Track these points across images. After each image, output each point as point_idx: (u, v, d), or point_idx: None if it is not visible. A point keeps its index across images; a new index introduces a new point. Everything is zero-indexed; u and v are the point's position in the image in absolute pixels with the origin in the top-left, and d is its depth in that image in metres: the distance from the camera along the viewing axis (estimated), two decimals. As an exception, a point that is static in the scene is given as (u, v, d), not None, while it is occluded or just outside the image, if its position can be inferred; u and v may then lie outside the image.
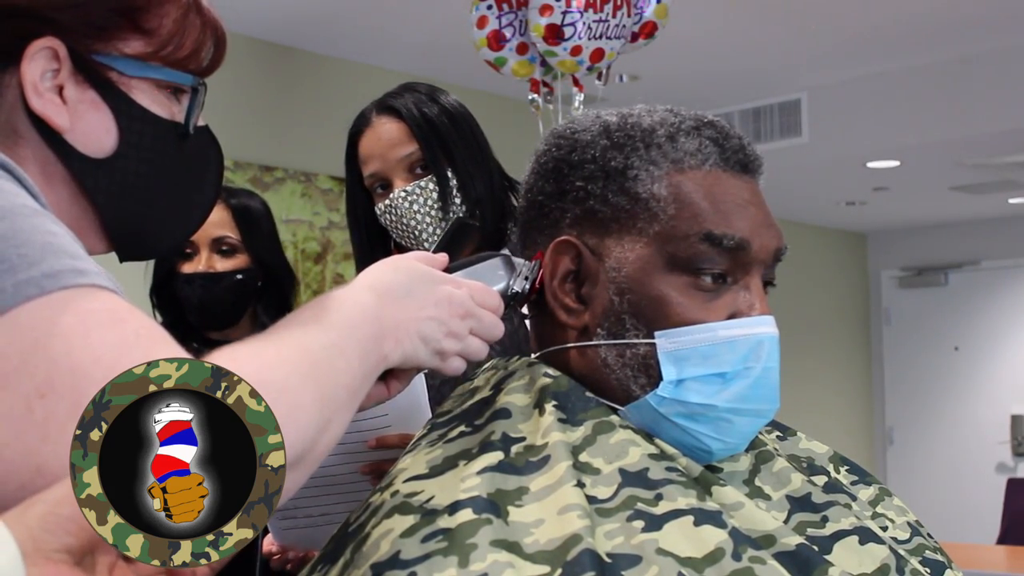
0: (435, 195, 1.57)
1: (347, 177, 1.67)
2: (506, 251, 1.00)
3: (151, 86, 0.90)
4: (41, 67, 0.85)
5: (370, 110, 1.64)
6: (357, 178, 1.65)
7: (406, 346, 0.84)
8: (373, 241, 1.67)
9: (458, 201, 1.58)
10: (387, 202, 1.59)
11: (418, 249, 1.64)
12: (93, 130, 0.87)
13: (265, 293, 1.94)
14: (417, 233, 1.59)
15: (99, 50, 0.87)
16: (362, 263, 1.67)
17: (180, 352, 0.71)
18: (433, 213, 1.58)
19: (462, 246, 1.09)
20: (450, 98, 1.65)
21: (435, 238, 1.59)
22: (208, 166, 0.97)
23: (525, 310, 1.03)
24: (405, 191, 1.57)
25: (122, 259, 1.00)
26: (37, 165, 0.87)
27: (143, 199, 0.91)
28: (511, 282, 0.96)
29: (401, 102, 1.61)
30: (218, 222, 1.86)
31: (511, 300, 0.96)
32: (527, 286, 0.95)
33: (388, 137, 1.60)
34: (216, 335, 1.89)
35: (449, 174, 1.58)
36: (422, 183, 1.58)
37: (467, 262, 0.97)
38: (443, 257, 0.95)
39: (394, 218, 1.60)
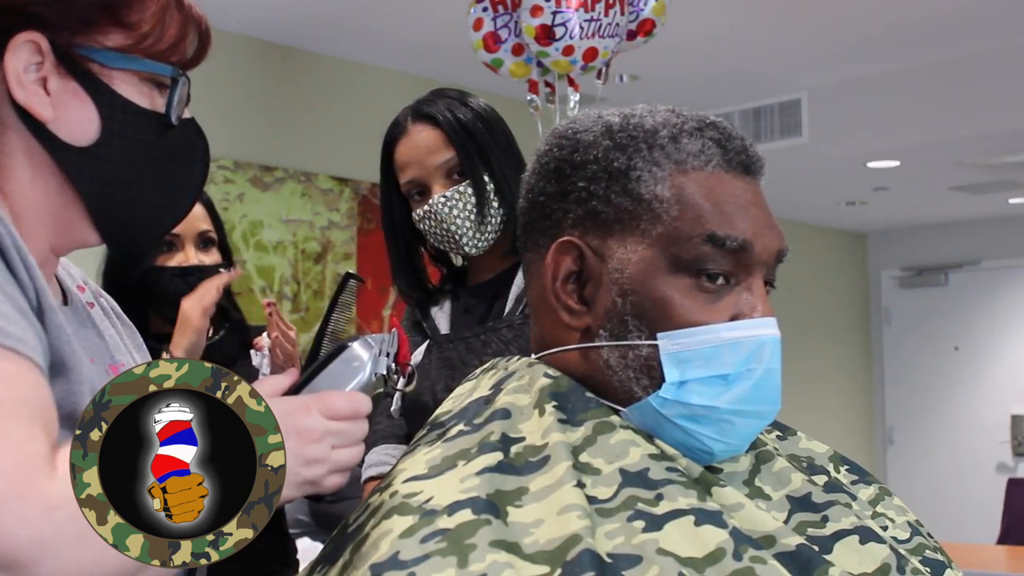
0: (473, 200, 1.60)
1: (382, 184, 1.70)
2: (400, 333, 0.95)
3: (134, 78, 0.92)
4: (24, 60, 0.88)
5: (405, 118, 1.66)
6: (392, 185, 1.68)
7: None
8: (409, 246, 1.71)
9: (496, 204, 1.62)
10: (426, 208, 1.62)
11: (456, 254, 1.67)
12: (76, 119, 0.90)
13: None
14: (457, 238, 1.62)
15: (81, 43, 0.90)
16: (398, 268, 1.73)
17: (18, 432, 0.73)
18: (473, 218, 1.61)
19: (349, 300, 1.07)
20: (480, 102, 1.68)
21: (474, 241, 1.61)
22: (194, 157, 0.99)
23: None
24: (445, 196, 1.60)
25: (111, 250, 1.01)
26: (24, 155, 0.90)
27: (127, 187, 0.94)
28: (373, 367, 0.90)
29: (436, 108, 1.64)
30: (200, 215, 1.86)
31: (383, 384, 0.90)
32: (391, 363, 0.91)
33: (425, 144, 1.63)
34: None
35: (486, 178, 1.61)
36: (460, 188, 1.60)
37: (315, 369, 0.90)
38: (289, 379, 0.89)
39: (433, 223, 1.63)
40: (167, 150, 0.95)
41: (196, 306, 1.75)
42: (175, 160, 0.97)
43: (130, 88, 0.92)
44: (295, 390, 0.88)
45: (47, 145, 0.90)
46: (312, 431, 0.81)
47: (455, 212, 1.60)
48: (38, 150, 0.90)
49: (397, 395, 1.67)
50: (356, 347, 0.90)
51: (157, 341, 1.79)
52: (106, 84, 0.91)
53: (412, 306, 1.75)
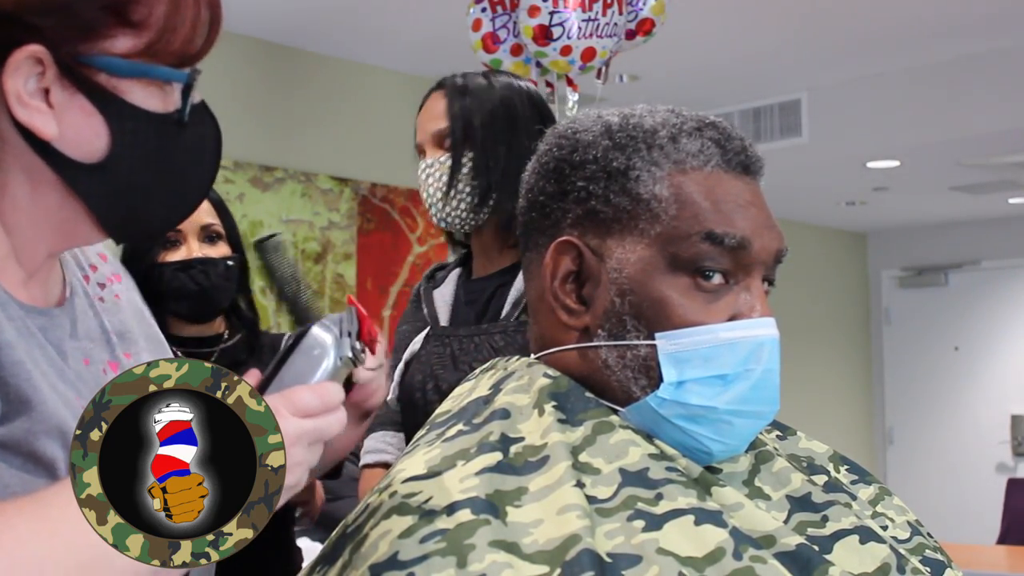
0: (449, 172, 1.62)
1: None
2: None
3: (144, 80, 0.85)
4: (24, 76, 0.81)
5: (434, 85, 1.72)
6: None
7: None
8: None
9: (467, 183, 1.62)
10: (418, 171, 1.68)
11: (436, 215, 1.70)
12: (83, 135, 0.84)
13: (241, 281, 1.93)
14: (428, 206, 1.67)
15: (86, 52, 0.82)
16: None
17: None
18: (444, 189, 1.63)
19: (277, 261, 1.02)
20: (512, 85, 1.69)
21: (442, 214, 1.65)
22: (206, 146, 0.93)
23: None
24: (427, 163, 1.64)
25: (118, 242, 0.99)
26: (23, 172, 0.85)
27: (137, 194, 0.89)
28: (337, 351, 0.84)
29: (454, 79, 1.68)
30: (204, 209, 1.84)
31: (352, 365, 0.85)
32: (355, 342, 0.85)
33: (430, 110, 1.67)
34: (194, 330, 1.87)
35: (469, 154, 1.62)
36: (441, 159, 1.63)
37: (276, 365, 0.83)
38: (251, 379, 0.81)
39: (421, 188, 1.68)
40: (180, 148, 0.89)
41: None
42: (187, 156, 0.90)
43: (141, 92, 0.85)
44: (259, 390, 0.81)
45: (52, 163, 0.84)
46: (287, 435, 0.74)
47: (430, 180, 1.63)
48: (40, 167, 0.84)
49: (394, 383, 1.66)
50: (315, 333, 0.84)
51: (178, 345, 1.79)
52: (115, 95, 0.83)
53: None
